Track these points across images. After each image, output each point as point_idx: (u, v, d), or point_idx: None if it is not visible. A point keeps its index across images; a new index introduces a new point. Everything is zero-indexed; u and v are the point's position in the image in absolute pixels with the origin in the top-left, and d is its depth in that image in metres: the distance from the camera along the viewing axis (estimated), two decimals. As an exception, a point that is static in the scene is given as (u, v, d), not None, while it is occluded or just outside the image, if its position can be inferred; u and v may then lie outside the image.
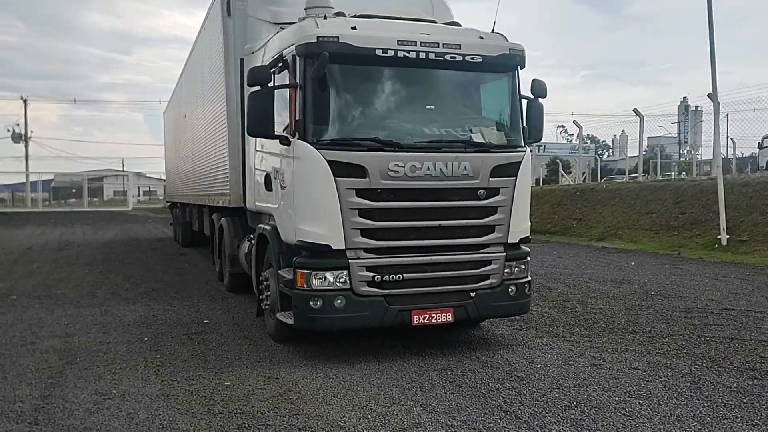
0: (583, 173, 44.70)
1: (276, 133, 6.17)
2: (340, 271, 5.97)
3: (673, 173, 47.98)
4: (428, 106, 6.44)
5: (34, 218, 35.44)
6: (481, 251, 6.47)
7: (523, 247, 6.83)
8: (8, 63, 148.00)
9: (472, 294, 6.41)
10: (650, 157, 50.18)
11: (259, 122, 6.06)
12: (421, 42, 6.13)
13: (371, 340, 6.82)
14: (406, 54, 6.08)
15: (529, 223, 6.85)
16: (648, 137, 48.53)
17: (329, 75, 5.99)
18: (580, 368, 6.00)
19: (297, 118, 6.05)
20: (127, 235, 24.16)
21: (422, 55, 6.14)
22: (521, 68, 6.79)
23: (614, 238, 18.74)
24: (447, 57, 6.23)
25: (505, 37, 6.77)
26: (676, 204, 18.32)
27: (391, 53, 6.03)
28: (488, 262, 6.48)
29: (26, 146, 58.39)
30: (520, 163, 6.56)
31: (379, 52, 6.00)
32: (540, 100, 7.01)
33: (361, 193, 5.94)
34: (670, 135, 62.91)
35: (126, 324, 7.93)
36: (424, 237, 6.22)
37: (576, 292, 10.14)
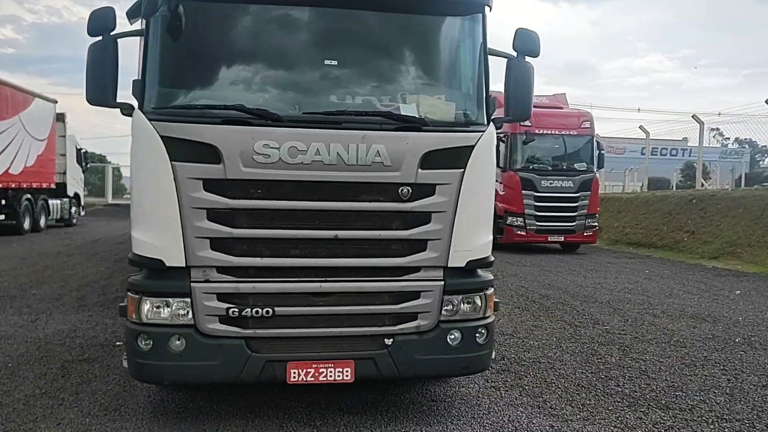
0: (727, 183, 39.46)
1: (118, 101, 4.42)
2: (178, 299, 4.13)
3: None
4: (328, 61, 4.40)
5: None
6: (404, 278, 4.36)
7: (481, 274, 4.62)
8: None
9: (388, 341, 4.33)
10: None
11: (95, 85, 4.31)
12: None
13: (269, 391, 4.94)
14: None
15: (491, 238, 4.60)
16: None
17: (180, 15, 4.17)
18: (528, 476, 3.74)
19: (137, 78, 4.30)
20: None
21: None
22: (488, 9, 4.60)
23: (731, 257, 15.32)
24: None
25: (466, -37, 4.60)
26: (815, 217, 14.57)
27: (265, -18, 4.11)
28: (415, 295, 4.36)
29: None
30: (472, 148, 4.36)
31: (246, -19, 4.10)
32: (528, 59, 4.77)
33: (211, 185, 4.06)
34: None
35: (30, 341, 6.58)
36: (312, 254, 4.22)
37: (628, 331, 7.56)
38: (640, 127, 24.87)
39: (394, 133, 4.24)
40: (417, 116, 4.38)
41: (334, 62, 4.38)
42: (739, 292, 10.76)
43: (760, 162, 68.99)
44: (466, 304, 4.49)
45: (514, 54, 4.71)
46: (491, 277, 4.66)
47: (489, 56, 4.70)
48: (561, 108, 18.25)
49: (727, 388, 5.46)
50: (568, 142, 17.40)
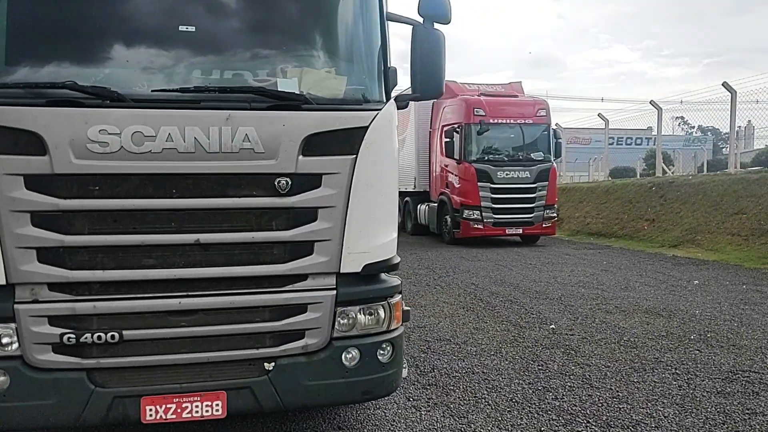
0: (690, 170, 39.46)
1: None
2: (1, 326, 3.33)
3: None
4: (183, 27, 3.62)
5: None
6: (286, 288, 3.61)
7: (386, 279, 3.90)
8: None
9: (268, 366, 3.58)
10: (773, 148, 44.16)
11: None
12: None
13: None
14: None
15: (394, 236, 3.88)
16: (780, 127, 42.79)
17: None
18: None
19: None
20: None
21: None
22: (384, -38, 3.88)
23: (691, 245, 14.90)
24: None
25: None
26: (775, 202, 14.20)
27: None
28: (300, 308, 3.62)
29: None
30: (365, 129, 3.63)
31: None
32: (437, 26, 4.07)
33: (35, 182, 3.26)
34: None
35: None
36: (169, 263, 3.45)
37: (577, 331, 6.93)
38: (599, 115, 24.54)
39: (267, 112, 3.49)
40: (297, 92, 3.63)
41: (191, 28, 3.60)
42: (697, 282, 10.26)
43: (723, 149, 69.40)
44: (365, 316, 3.76)
45: (420, 20, 4.02)
46: (398, 281, 3.94)
47: (390, 22, 4.01)
48: (516, 96, 17.68)
49: (678, 396, 4.83)
50: (523, 132, 16.82)
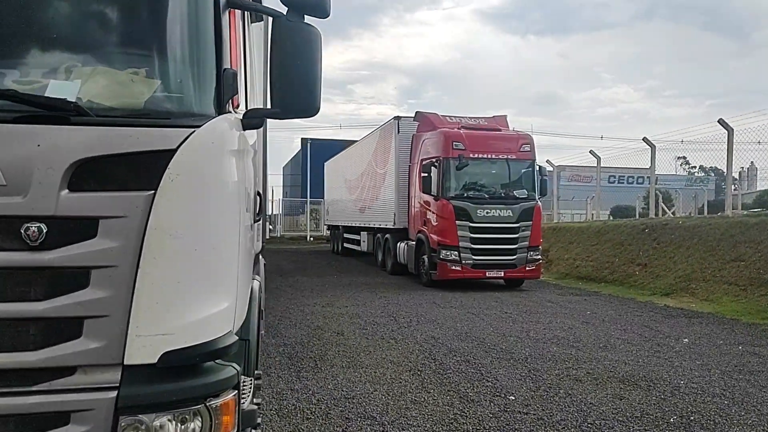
0: (690, 211, 38.31)
1: None
2: None
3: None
4: None
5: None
6: (38, 388, 2.43)
7: (211, 368, 2.71)
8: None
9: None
10: (773, 190, 43.13)
11: None
12: None
13: None
14: None
15: (224, 306, 2.70)
16: (786, 168, 41.86)
17: None
18: None
19: None
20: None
21: None
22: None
23: (684, 294, 13.67)
24: None
25: None
26: (775, 248, 13.01)
27: None
28: (59, 418, 2.43)
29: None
30: (171, 153, 2.51)
31: None
32: (309, 20, 2.99)
33: None
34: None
35: None
36: None
37: (533, 407, 5.70)
38: (591, 152, 23.52)
39: (13, 126, 2.39)
40: (69, 99, 2.51)
41: None
42: (687, 340, 9.02)
43: (726, 189, 67.56)
44: (175, 425, 2.58)
45: (284, 10, 2.94)
46: (230, 372, 2.75)
47: (236, 10, 2.95)
48: (499, 130, 16.64)
49: None
50: (506, 167, 15.74)
